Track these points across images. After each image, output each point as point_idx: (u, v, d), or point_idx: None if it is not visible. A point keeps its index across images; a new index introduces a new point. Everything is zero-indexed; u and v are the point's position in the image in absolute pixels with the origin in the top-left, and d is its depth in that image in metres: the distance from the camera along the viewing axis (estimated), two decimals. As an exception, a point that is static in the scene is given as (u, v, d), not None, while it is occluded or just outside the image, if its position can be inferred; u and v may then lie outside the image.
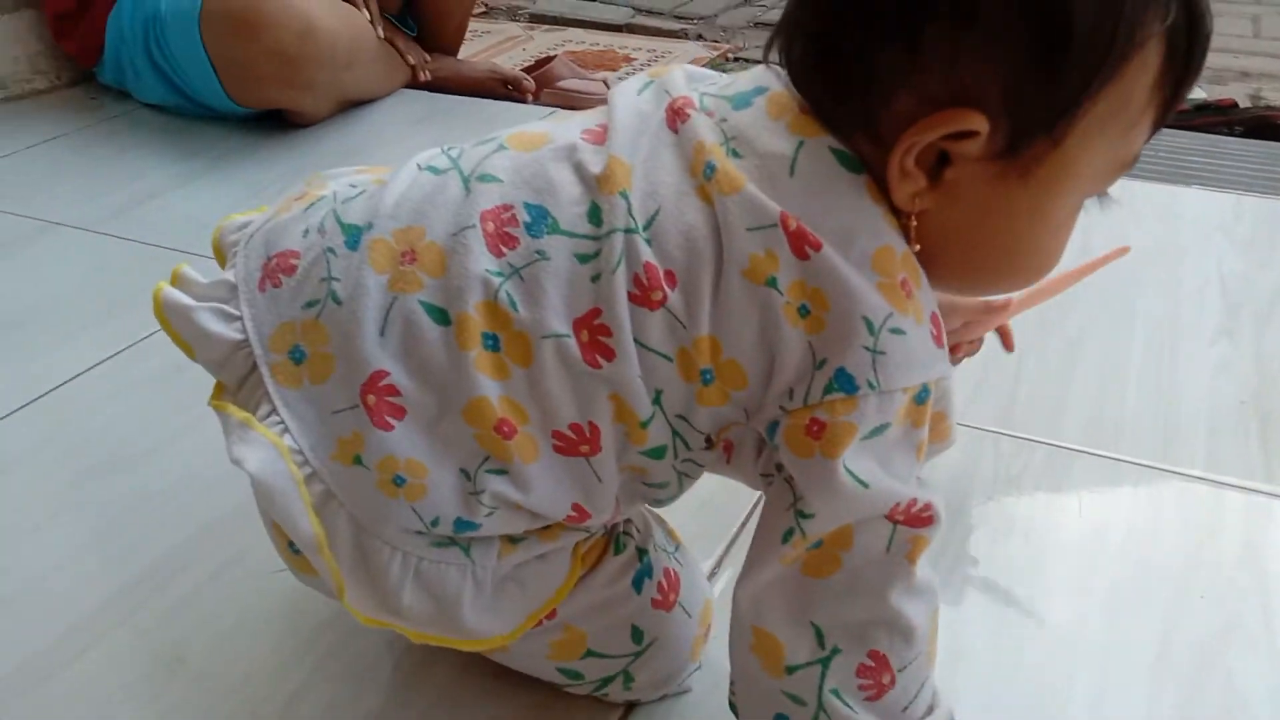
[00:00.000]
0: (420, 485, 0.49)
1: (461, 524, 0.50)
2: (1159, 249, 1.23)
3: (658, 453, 0.52)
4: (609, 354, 0.48)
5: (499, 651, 0.61)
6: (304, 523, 0.49)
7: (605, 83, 1.99)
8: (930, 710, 0.54)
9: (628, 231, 0.48)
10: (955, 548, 0.77)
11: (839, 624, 0.50)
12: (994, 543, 0.78)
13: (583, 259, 0.48)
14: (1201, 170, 1.55)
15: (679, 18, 2.68)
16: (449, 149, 0.54)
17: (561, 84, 1.96)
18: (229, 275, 0.53)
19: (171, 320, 0.53)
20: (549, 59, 2.00)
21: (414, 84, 1.79)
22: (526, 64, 2.04)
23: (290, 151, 1.53)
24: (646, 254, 0.47)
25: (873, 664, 0.51)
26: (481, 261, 0.49)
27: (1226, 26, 2.58)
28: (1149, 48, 0.45)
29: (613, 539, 0.59)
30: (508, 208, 0.50)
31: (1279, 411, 0.94)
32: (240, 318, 0.51)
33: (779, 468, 0.51)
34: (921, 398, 0.48)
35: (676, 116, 0.50)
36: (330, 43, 1.51)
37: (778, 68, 0.50)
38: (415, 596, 0.51)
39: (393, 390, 0.49)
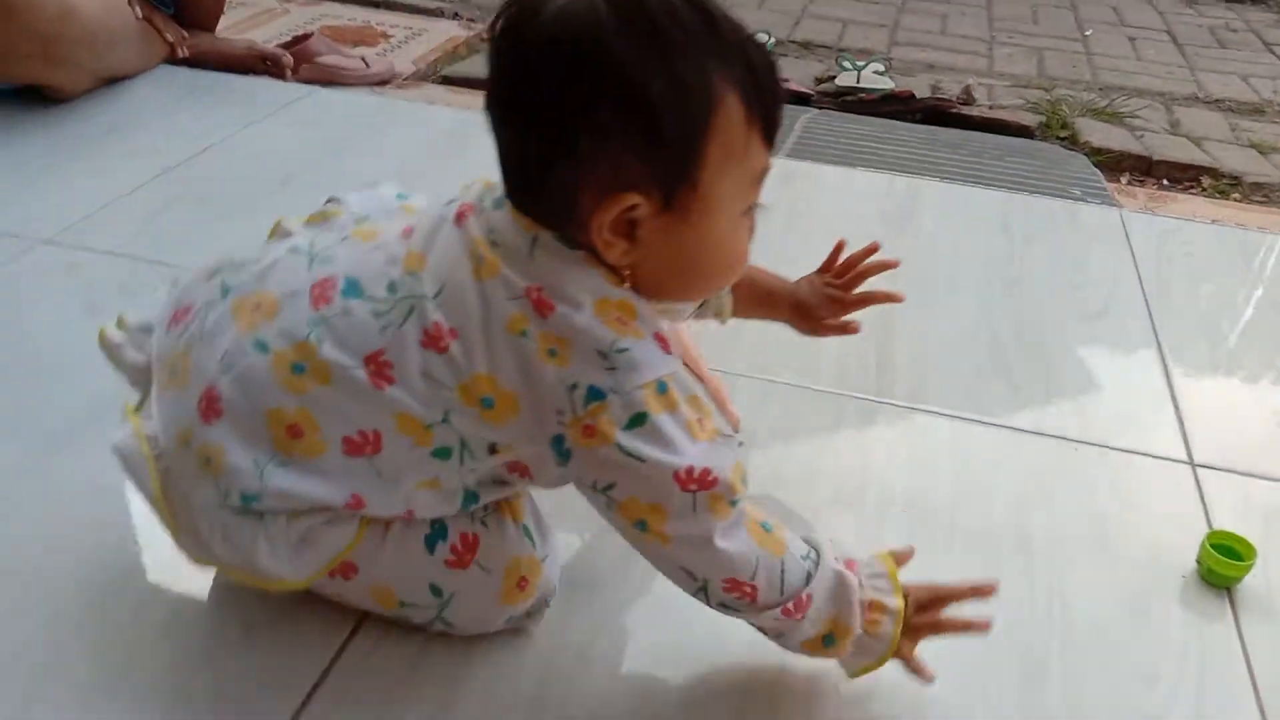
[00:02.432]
0: (220, 465, 0.69)
1: (246, 497, 0.69)
2: (828, 220, 1.52)
3: (444, 453, 0.70)
4: (391, 380, 0.68)
5: (338, 595, 0.78)
6: (147, 484, 0.72)
7: (365, 60, 2.11)
8: (809, 573, 0.72)
9: (419, 298, 0.68)
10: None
11: (696, 566, 0.70)
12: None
13: (376, 315, 0.69)
14: (870, 154, 1.87)
15: (435, -5, 2.80)
16: (312, 240, 0.75)
17: (320, 59, 2.07)
18: (151, 319, 0.78)
19: (107, 352, 0.79)
20: (306, 36, 2.10)
21: (173, 60, 1.86)
22: (284, 40, 2.13)
23: (49, 127, 1.59)
24: (435, 315, 0.67)
25: (729, 585, 0.70)
26: (303, 313, 0.70)
27: (917, 23, 2.97)
28: (726, 101, 0.64)
29: None
30: (332, 278, 0.71)
31: (890, 344, 1.23)
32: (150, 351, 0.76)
33: (565, 478, 0.70)
34: (661, 389, 0.66)
35: (460, 218, 0.70)
36: (89, 22, 1.58)
37: None
38: (223, 547, 0.71)
39: (218, 398, 0.70)
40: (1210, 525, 0.98)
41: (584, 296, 0.67)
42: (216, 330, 0.71)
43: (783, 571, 0.72)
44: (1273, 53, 2.94)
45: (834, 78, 2.37)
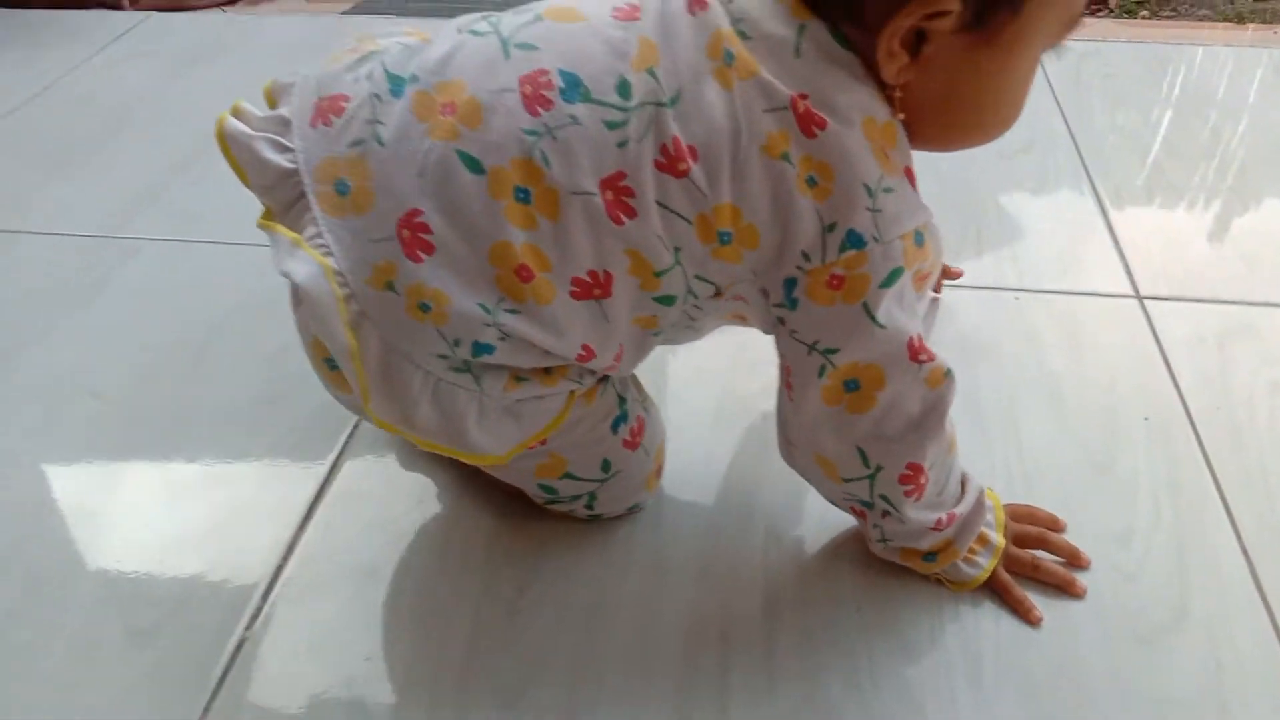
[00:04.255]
0: (444, 313, 0.55)
1: (479, 347, 0.57)
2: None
3: (668, 300, 0.60)
4: (631, 213, 0.55)
5: (495, 467, 0.71)
6: (340, 333, 0.56)
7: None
8: (963, 490, 0.68)
9: (658, 105, 0.54)
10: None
11: (879, 447, 0.62)
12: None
13: (610, 126, 0.54)
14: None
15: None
16: (488, 16, 0.59)
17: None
18: (284, 111, 0.58)
19: (231, 147, 0.58)
20: (140, -41, 1.90)
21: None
22: (116, -33, 1.92)
23: None
24: (674, 129, 0.54)
25: (909, 472, 0.63)
26: (518, 120, 0.54)
27: None
28: None
29: (600, 391, 0.68)
30: (544, 72, 0.55)
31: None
32: (292, 149, 0.56)
33: (780, 321, 0.60)
34: (919, 240, 0.57)
35: (695, 4, 0.56)
36: None
37: None
38: (429, 411, 0.59)
39: (425, 228, 0.55)
40: (1166, 360, 0.92)
41: (854, 113, 0.55)
42: (401, 136, 0.55)
43: (949, 474, 0.66)
44: None
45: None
